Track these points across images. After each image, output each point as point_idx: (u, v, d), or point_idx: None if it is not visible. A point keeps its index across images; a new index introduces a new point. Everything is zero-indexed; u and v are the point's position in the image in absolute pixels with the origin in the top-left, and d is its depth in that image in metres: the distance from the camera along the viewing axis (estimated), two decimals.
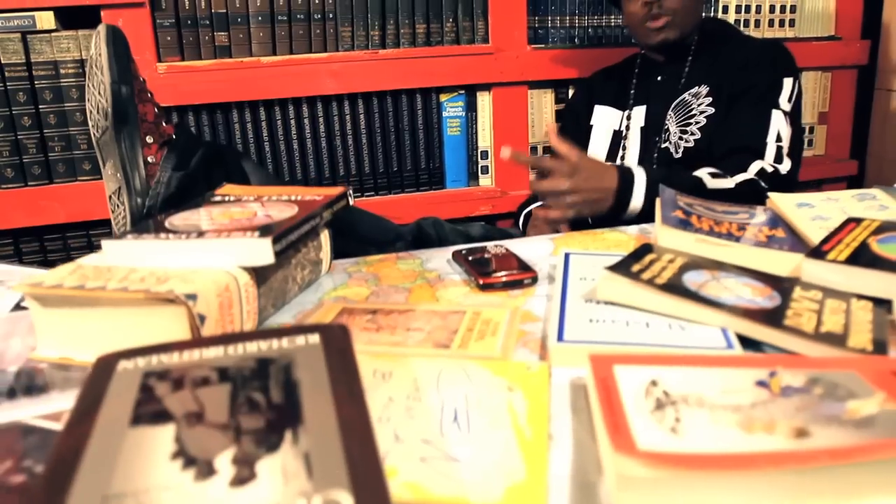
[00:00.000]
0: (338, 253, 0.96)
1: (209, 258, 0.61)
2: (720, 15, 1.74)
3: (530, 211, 1.36)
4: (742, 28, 1.77)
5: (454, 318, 0.63)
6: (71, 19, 1.32)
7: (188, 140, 0.97)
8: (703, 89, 1.28)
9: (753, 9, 1.76)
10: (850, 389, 0.47)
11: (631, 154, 1.37)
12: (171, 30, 1.35)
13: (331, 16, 1.44)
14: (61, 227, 1.38)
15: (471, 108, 1.58)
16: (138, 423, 0.41)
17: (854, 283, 0.66)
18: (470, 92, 1.58)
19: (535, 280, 0.73)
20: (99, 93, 0.91)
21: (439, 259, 0.82)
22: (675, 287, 0.63)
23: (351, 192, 0.82)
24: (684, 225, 0.79)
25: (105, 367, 0.48)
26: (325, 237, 0.78)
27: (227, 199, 0.79)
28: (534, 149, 1.65)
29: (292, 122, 1.46)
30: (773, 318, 0.58)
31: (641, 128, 1.36)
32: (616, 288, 0.63)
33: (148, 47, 1.33)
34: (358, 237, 1.08)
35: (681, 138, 1.28)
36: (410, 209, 1.54)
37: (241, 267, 0.62)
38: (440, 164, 1.59)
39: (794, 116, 1.25)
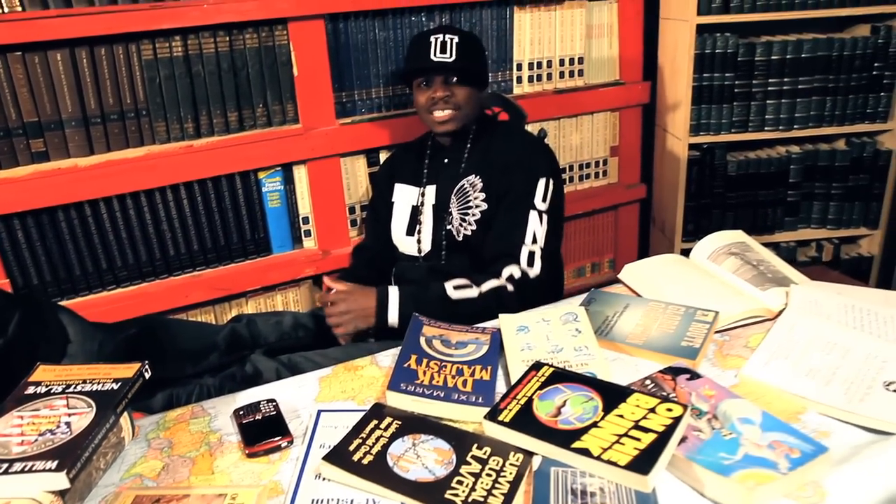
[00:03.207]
0: (155, 379, 1.16)
1: (17, 488, 0.81)
2: (514, 73, 1.96)
3: None
4: (535, 83, 1.99)
5: None
6: None
7: (3, 305, 1.11)
8: (478, 181, 1.49)
9: (545, 64, 1.98)
10: None
11: (425, 229, 1.57)
12: None
13: (144, 112, 1.55)
14: None
15: (288, 181, 1.74)
16: None
17: (514, 440, 0.93)
18: (286, 167, 1.73)
19: (291, 442, 0.97)
20: None
21: (224, 416, 1.04)
22: (374, 467, 0.88)
23: (147, 367, 1.01)
24: (409, 379, 1.04)
25: None
26: (124, 419, 0.98)
27: (38, 389, 0.97)
28: (352, 209, 1.84)
29: (118, 215, 1.57)
30: (434, 494, 0.85)
31: (433, 206, 1.56)
32: (331, 473, 0.88)
33: None
34: (175, 354, 1.27)
35: (461, 224, 1.50)
36: (240, 279, 1.71)
37: None
38: (265, 234, 1.75)
39: (550, 213, 1.44)
